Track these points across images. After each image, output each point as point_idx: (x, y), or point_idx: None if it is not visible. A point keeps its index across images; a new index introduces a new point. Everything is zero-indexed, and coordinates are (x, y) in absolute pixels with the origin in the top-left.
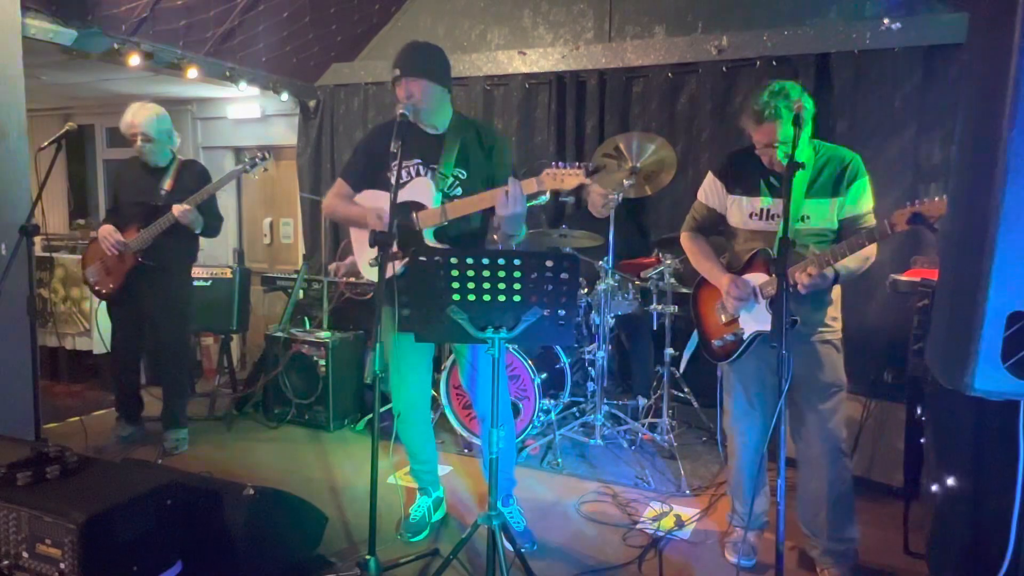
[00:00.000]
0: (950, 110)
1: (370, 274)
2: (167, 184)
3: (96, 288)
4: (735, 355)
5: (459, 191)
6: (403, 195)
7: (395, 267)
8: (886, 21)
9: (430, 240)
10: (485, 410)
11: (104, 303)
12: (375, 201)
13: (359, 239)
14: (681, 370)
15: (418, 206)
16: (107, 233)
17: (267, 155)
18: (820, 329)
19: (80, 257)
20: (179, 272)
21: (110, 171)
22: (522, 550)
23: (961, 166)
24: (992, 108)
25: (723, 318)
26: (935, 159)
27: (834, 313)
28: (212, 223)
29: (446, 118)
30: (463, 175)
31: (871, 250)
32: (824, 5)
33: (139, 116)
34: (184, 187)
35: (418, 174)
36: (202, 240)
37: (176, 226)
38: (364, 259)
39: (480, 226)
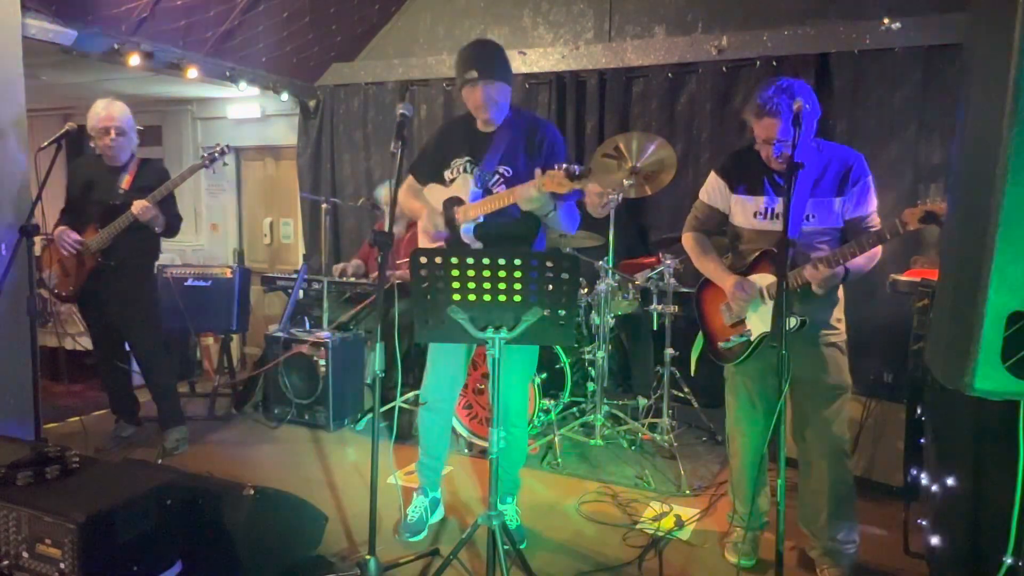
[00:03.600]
0: (950, 110)
1: None
2: (125, 182)
3: (56, 291)
4: (742, 357)
5: (503, 188)
6: (449, 191)
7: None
8: (886, 21)
9: (468, 236)
10: (496, 410)
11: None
12: (434, 196)
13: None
14: (692, 373)
15: (460, 202)
16: (63, 234)
17: (227, 149)
18: (825, 331)
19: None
20: (142, 271)
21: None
22: (520, 548)
23: (961, 165)
24: (992, 108)
25: (728, 319)
26: (935, 159)
27: (838, 314)
28: (172, 222)
29: (503, 115)
30: (509, 172)
31: (877, 248)
32: (824, 5)
33: (115, 110)
34: (143, 185)
35: (465, 171)
36: (203, 240)
37: (136, 224)
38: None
39: (525, 228)
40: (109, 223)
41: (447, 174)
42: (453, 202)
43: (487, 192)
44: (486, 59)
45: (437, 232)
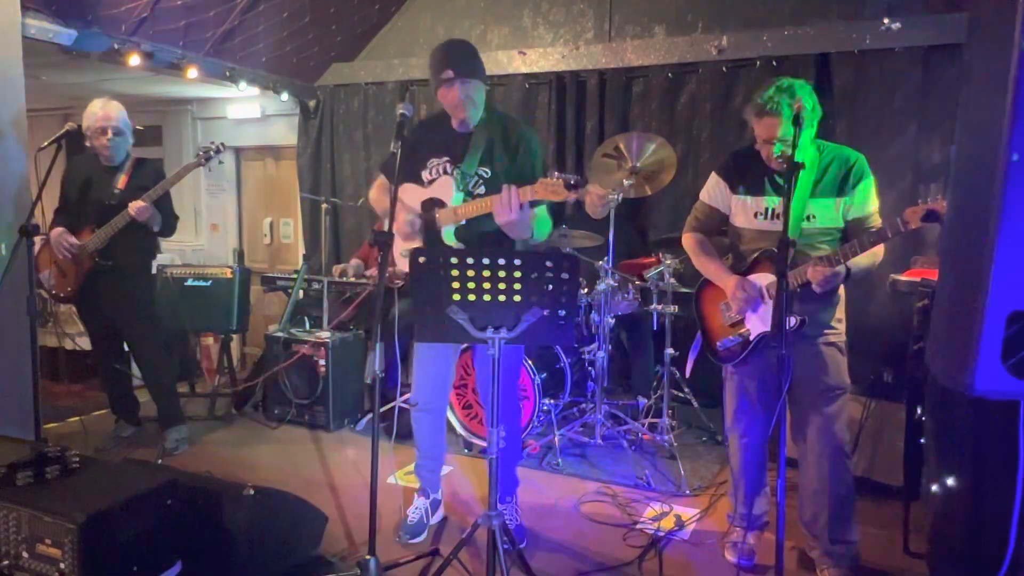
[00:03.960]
0: (950, 110)
1: (403, 264)
2: (120, 182)
3: (53, 292)
4: (741, 357)
5: (483, 190)
6: (428, 192)
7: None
8: (886, 21)
9: (449, 239)
10: (494, 410)
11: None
12: (409, 196)
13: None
14: (688, 374)
15: (440, 204)
16: (59, 236)
17: (222, 147)
18: (825, 331)
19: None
20: (139, 271)
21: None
22: (520, 547)
23: (961, 166)
24: (992, 108)
25: (728, 320)
26: (935, 159)
27: (839, 315)
28: (168, 221)
29: (479, 115)
30: (487, 174)
31: (880, 247)
32: (824, 5)
33: (112, 109)
34: (138, 185)
35: (445, 172)
36: (203, 240)
37: (133, 224)
38: (398, 251)
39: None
40: (105, 223)
41: (425, 175)
42: (433, 203)
43: (468, 194)
44: (461, 58)
45: (413, 232)
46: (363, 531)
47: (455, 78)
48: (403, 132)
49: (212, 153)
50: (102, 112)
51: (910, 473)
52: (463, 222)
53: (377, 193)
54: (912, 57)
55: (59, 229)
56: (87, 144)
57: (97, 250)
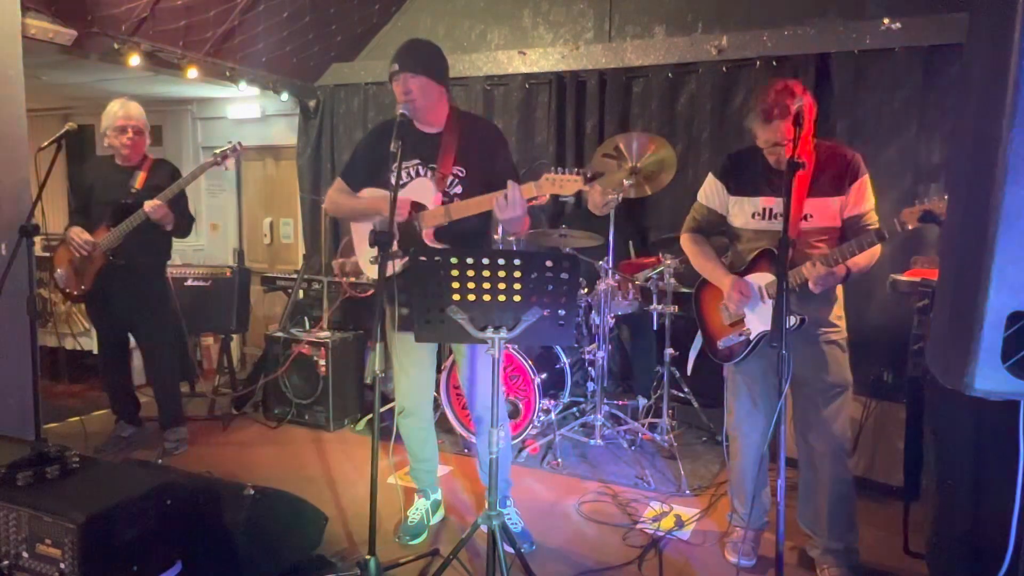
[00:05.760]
0: (950, 110)
1: (371, 271)
2: (139, 181)
3: (66, 291)
4: (741, 356)
5: (459, 188)
6: (404, 195)
7: (395, 266)
8: (886, 21)
9: (431, 240)
10: (481, 410)
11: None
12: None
13: (360, 236)
14: (689, 372)
15: (419, 206)
16: (75, 234)
17: (239, 146)
18: (825, 329)
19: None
20: (152, 270)
21: (73, 171)
22: (521, 550)
23: (961, 166)
24: (992, 108)
25: (727, 319)
26: (935, 159)
27: (839, 312)
28: (183, 222)
29: (443, 116)
30: (462, 172)
31: (876, 247)
32: (824, 5)
33: (132, 109)
34: (155, 185)
35: (417, 174)
36: (203, 240)
37: (148, 224)
38: (365, 256)
39: (480, 224)
40: (121, 222)
41: (391, 176)
42: (412, 207)
43: (445, 194)
44: (410, 53)
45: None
46: (363, 531)
47: (399, 71)
48: (403, 132)
49: (229, 152)
50: (123, 112)
51: (910, 473)
52: (446, 223)
53: (335, 195)
54: (912, 57)
55: (76, 228)
56: (105, 143)
57: (110, 249)
